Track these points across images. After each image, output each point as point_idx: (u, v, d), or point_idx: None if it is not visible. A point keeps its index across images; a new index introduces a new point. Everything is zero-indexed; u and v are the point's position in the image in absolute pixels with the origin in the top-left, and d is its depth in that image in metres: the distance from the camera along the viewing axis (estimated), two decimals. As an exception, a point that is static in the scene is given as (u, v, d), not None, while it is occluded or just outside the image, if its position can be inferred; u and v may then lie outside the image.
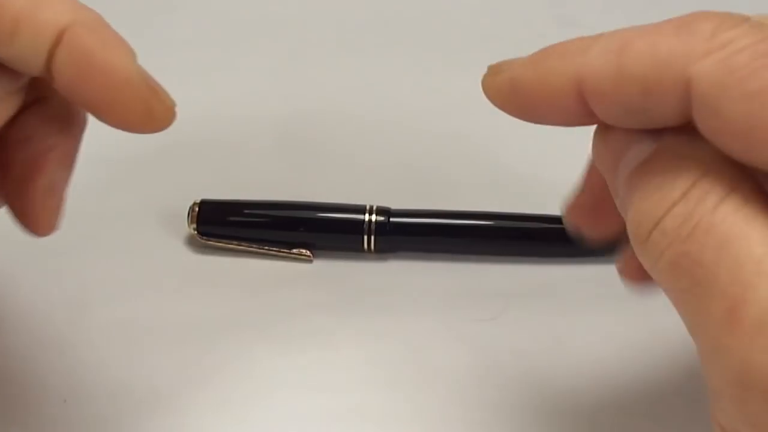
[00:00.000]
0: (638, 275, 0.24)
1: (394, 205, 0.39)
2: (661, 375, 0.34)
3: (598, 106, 0.22)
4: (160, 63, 0.53)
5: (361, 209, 0.39)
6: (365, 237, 0.39)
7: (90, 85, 0.22)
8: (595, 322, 0.36)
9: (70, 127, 0.27)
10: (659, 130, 0.22)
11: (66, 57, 0.22)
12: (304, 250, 0.39)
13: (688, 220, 0.19)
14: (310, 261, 0.39)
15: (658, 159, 0.21)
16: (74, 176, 0.45)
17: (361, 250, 0.39)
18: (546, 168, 0.44)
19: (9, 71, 0.23)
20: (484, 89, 0.25)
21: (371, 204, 0.39)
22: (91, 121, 0.49)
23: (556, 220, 0.39)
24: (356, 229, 0.39)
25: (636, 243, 0.21)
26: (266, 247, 0.39)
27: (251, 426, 0.33)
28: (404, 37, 0.53)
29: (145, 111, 0.24)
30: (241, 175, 0.43)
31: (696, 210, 0.19)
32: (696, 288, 0.19)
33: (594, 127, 0.25)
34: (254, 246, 0.39)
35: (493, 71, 0.25)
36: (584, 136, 0.50)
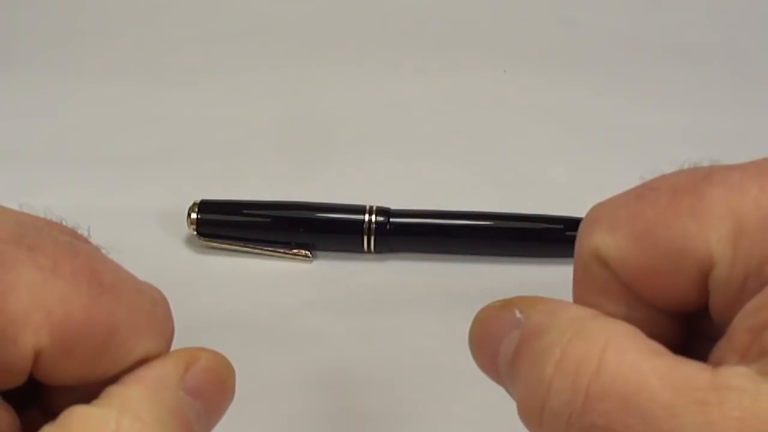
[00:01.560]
0: None
1: (394, 205, 0.39)
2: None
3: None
4: (160, 63, 0.53)
5: (360, 209, 0.39)
6: (365, 237, 0.39)
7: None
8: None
9: None
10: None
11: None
12: (303, 250, 0.39)
13: (576, 394, 0.18)
14: (310, 261, 0.39)
15: (524, 342, 0.20)
16: (74, 176, 0.45)
17: (361, 250, 0.39)
18: (546, 168, 0.44)
19: None
20: None
21: (371, 204, 0.39)
22: (91, 121, 0.49)
23: (556, 220, 0.39)
24: (356, 229, 0.39)
25: (532, 430, 0.20)
26: (266, 247, 0.39)
27: (251, 426, 0.32)
28: (404, 38, 0.53)
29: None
30: (240, 175, 0.43)
31: (578, 380, 0.18)
32: None
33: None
34: (254, 246, 0.39)
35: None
36: (584, 136, 0.50)
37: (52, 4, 0.55)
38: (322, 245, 0.39)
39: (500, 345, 0.21)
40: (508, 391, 0.21)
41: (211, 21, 0.54)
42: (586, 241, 0.20)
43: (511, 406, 0.29)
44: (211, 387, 0.22)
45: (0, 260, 0.18)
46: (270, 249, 0.39)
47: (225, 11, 0.55)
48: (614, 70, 0.51)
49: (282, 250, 0.39)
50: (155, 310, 0.22)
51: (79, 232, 0.22)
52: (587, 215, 0.21)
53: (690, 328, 0.21)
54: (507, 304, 0.22)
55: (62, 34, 0.53)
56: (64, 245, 0.20)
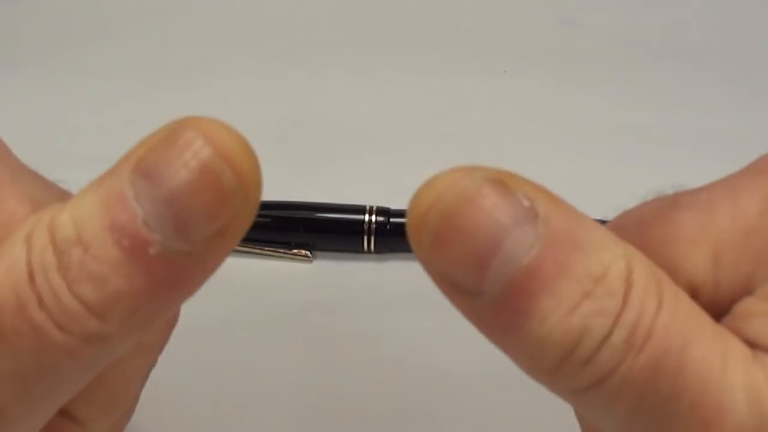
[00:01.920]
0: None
1: (394, 205, 0.39)
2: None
3: None
4: (160, 63, 0.53)
5: (360, 209, 0.39)
6: (365, 237, 0.39)
7: None
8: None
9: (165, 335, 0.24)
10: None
11: None
12: (303, 250, 0.39)
13: (638, 329, 0.15)
14: (310, 261, 0.39)
15: (556, 253, 0.15)
16: (74, 177, 0.45)
17: (361, 250, 0.39)
18: (546, 168, 0.44)
19: None
20: None
21: (371, 204, 0.39)
22: (92, 123, 0.49)
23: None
24: (356, 229, 0.39)
25: (558, 369, 0.16)
26: (266, 247, 0.39)
27: (251, 425, 0.32)
28: (404, 38, 0.53)
29: None
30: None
31: (642, 316, 0.15)
32: (659, 407, 0.15)
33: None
34: (254, 246, 0.39)
35: None
36: (584, 136, 0.50)
37: (52, 4, 0.55)
38: (322, 245, 0.39)
39: (498, 248, 0.15)
40: (493, 321, 0.16)
41: (211, 21, 0.54)
42: None
43: (511, 406, 0.29)
44: (190, 176, 0.16)
45: None
46: (270, 249, 0.39)
47: (225, 11, 0.55)
48: (614, 70, 0.51)
49: (282, 250, 0.39)
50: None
51: None
52: None
53: None
54: (501, 182, 0.16)
55: (62, 35, 0.53)
56: None
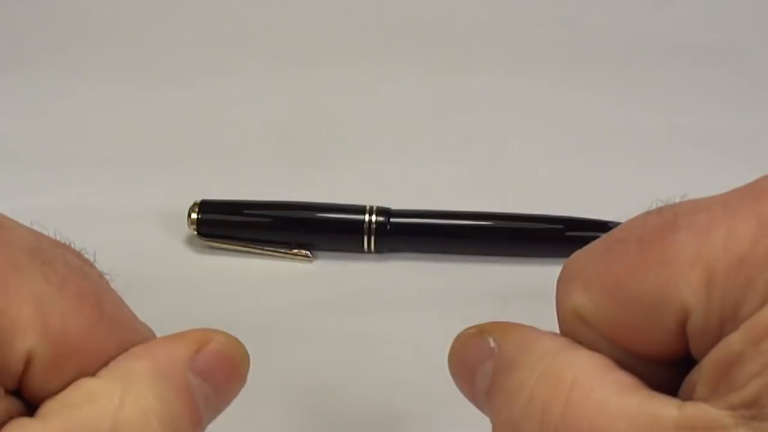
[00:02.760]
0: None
1: (394, 205, 0.39)
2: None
3: None
4: (161, 63, 0.53)
5: (361, 209, 0.39)
6: (365, 237, 0.39)
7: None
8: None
9: None
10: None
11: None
12: (303, 250, 0.39)
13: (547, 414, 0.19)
14: (310, 261, 0.39)
15: (496, 376, 0.21)
16: (74, 176, 0.45)
17: (361, 250, 0.39)
18: (546, 168, 0.44)
19: None
20: None
21: (371, 204, 0.39)
22: (91, 121, 0.49)
23: (556, 220, 0.39)
24: (356, 229, 0.39)
25: None
26: (266, 247, 0.39)
27: (251, 425, 0.32)
28: (405, 38, 0.53)
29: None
30: (241, 175, 0.43)
31: (545, 423, 0.18)
32: None
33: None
34: (254, 246, 0.39)
35: None
36: (585, 136, 0.50)
37: (52, 4, 0.54)
38: (322, 245, 0.39)
39: (476, 372, 0.21)
40: (485, 414, 0.22)
41: (210, 21, 0.54)
42: (563, 301, 0.20)
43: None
44: (222, 370, 0.22)
45: (13, 266, 0.19)
46: (270, 249, 0.39)
47: (225, 11, 0.55)
48: (614, 70, 0.51)
49: (282, 250, 0.39)
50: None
51: (85, 255, 0.22)
52: (562, 273, 0.21)
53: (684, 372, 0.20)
54: (481, 331, 0.22)
55: (62, 35, 0.53)
56: (74, 268, 0.21)
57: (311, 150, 0.45)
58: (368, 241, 0.39)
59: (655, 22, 0.55)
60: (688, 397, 0.18)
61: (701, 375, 0.18)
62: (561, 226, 0.39)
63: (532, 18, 0.55)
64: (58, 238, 0.22)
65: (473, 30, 0.54)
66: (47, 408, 0.19)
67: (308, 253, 0.39)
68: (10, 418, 0.19)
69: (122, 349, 0.21)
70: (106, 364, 0.20)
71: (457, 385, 0.23)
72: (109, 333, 0.21)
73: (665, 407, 0.17)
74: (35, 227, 0.21)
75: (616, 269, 0.19)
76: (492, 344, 0.21)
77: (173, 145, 0.45)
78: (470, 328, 0.23)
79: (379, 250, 0.39)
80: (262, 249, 0.39)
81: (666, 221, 0.19)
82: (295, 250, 0.39)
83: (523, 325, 0.21)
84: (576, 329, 0.20)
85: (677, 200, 0.19)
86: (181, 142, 0.45)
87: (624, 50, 0.53)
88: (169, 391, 0.20)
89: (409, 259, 0.39)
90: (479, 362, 0.21)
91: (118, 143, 0.45)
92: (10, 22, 0.54)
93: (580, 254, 0.21)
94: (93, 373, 0.20)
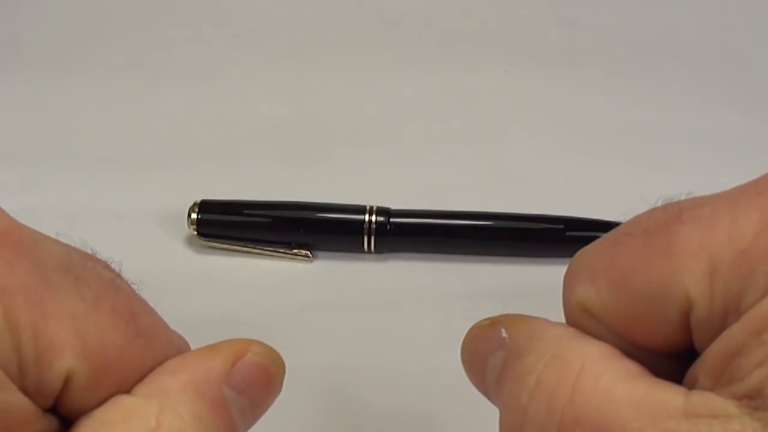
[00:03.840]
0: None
1: (394, 205, 0.39)
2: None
3: None
4: (160, 63, 0.53)
5: (361, 209, 0.39)
6: (365, 237, 0.39)
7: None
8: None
9: None
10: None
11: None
12: (303, 250, 0.39)
13: (550, 422, 0.18)
14: (310, 261, 0.39)
15: (506, 365, 0.21)
16: (74, 176, 0.45)
17: (361, 250, 0.39)
18: (546, 168, 0.44)
19: None
20: None
21: (371, 204, 0.39)
22: (91, 121, 0.49)
23: (556, 220, 0.39)
24: (356, 229, 0.39)
25: None
26: (266, 247, 0.39)
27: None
28: (404, 38, 0.53)
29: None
30: (241, 175, 0.43)
31: (552, 408, 0.18)
32: None
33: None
34: (254, 246, 0.39)
35: None
36: (584, 135, 0.50)
37: (53, 4, 0.54)
38: (322, 245, 0.39)
39: (487, 363, 0.22)
40: (495, 405, 0.22)
41: (210, 21, 0.54)
42: (570, 294, 0.21)
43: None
44: (258, 382, 0.22)
45: (47, 285, 0.19)
46: (270, 249, 0.39)
47: (224, 11, 0.55)
48: (614, 70, 0.51)
49: (282, 250, 0.39)
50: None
51: (112, 266, 0.22)
52: (569, 269, 0.21)
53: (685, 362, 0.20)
54: (494, 323, 0.22)
55: (62, 34, 0.53)
56: (107, 281, 0.20)
57: (311, 150, 0.45)
58: (368, 241, 0.39)
59: (655, 22, 0.55)
60: (691, 388, 0.18)
61: (704, 366, 0.18)
62: (561, 226, 0.39)
63: (532, 18, 0.55)
64: (87, 250, 0.22)
65: (473, 30, 0.54)
66: (83, 426, 0.19)
67: (308, 253, 0.39)
68: None
69: (158, 362, 0.21)
70: (142, 378, 0.20)
71: (469, 375, 0.23)
72: (146, 347, 0.20)
73: (672, 394, 0.18)
74: (61, 238, 0.21)
75: (622, 261, 0.19)
76: (503, 335, 0.21)
77: (173, 145, 0.45)
78: (483, 320, 0.23)
79: (379, 250, 0.39)
80: (262, 249, 0.39)
81: (671, 215, 0.19)
82: (295, 250, 0.39)
83: (534, 317, 0.22)
84: (582, 322, 0.20)
85: (682, 198, 0.20)
86: (181, 142, 0.45)
87: (624, 50, 0.53)
88: (205, 409, 0.20)
89: (409, 259, 0.39)
90: (490, 352, 0.21)
91: (118, 143, 0.45)
92: (10, 21, 0.54)
93: (587, 250, 0.21)
94: (129, 389, 0.20)
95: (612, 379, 0.18)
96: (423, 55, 0.51)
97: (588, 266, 0.20)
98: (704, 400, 0.17)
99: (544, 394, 0.19)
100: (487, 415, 0.33)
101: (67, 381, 0.19)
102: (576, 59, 0.52)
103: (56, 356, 0.18)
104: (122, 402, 0.20)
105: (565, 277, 0.21)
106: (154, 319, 0.22)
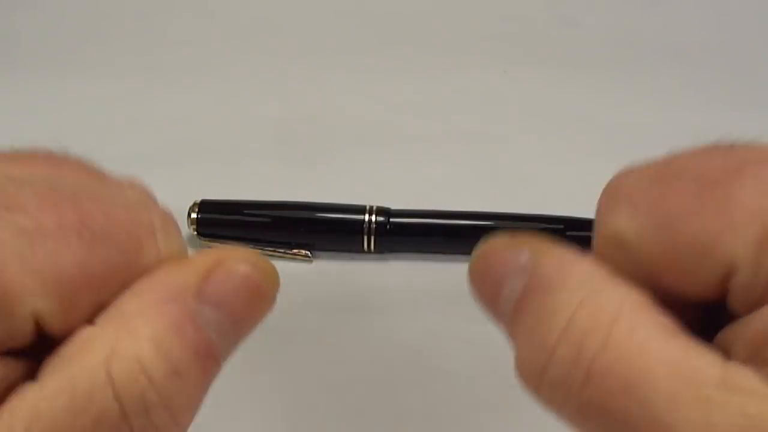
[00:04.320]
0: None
1: (394, 205, 0.39)
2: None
3: None
4: (161, 63, 0.53)
5: (360, 209, 0.39)
6: (365, 237, 0.39)
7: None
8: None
9: None
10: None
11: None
12: (303, 250, 0.39)
13: (579, 367, 0.17)
14: (310, 261, 0.39)
15: (530, 294, 0.19)
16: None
17: (361, 250, 0.39)
18: (546, 168, 0.44)
19: None
20: None
21: (371, 204, 0.39)
22: (91, 121, 0.49)
23: (556, 220, 0.39)
24: (356, 229, 0.39)
25: (530, 391, 0.19)
26: (266, 247, 0.39)
27: (250, 425, 0.33)
28: (404, 38, 0.53)
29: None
30: (241, 175, 0.43)
31: (583, 353, 0.17)
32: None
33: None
34: (254, 246, 0.39)
35: None
36: (584, 135, 0.50)
37: (53, 4, 0.55)
38: (322, 245, 0.39)
39: (503, 286, 0.19)
40: (506, 332, 0.20)
41: (210, 21, 0.54)
42: (606, 219, 0.19)
43: (511, 406, 0.29)
44: (238, 293, 0.20)
45: None
46: (270, 249, 0.39)
47: (225, 11, 0.55)
48: (614, 70, 0.51)
49: (282, 250, 0.39)
50: (153, 226, 0.20)
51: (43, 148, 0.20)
52: (609, 187, 0.20)
53: (706, 311, 0.19)
54: (516, 244, 0.20)
55: (62, 34, 0.53)
56: (44, 192, 0.18)
57: (311, 150, 0.45)
58: (368, 241, 0.39)
59: (655, 22, 0.55)
60: (723, 350, 0.17)
61: (741, 336, 0.17)
62: (561, 226, 0.39)
63: (532, 18, 0.55)
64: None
65: (473, 30, 0.54)
66: (45, 365, 0.18)
67: (308, 253, 0.39)
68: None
69: (130, 248, 0.19)
70: (125, 286, 0.18)
71: (477, 298, 0.21)
72: (108, 247, 0.18)
73: (709, 364, 0.17)
74: None
75: (671, 204, 0.18)
76: (525, 259, 0.19)
77: (173, 145, 0.45)
78: (499, 236, 0.21)
79: (379, 250, 0.39)
80: (261, 249, 0.39)
81: (732, 165, 0.18)
82: (295, 250, 0.39)
83: (559, 245, 0.19)
84: (613, 254, 0.19)
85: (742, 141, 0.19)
86: (181, 142, 0.45)
87: (624, 50, 0.53)
88: (167, 330, 0.18)
89: (409, 259, 0.39)
90: (507, 275, 0.19)
91: (118, 143, 0.45)
92: (10, 21, 0.54)
93: (630, 174, 0.20)
94: (113, 290, 0.18)
95: (647, 334, 0.17)
96: (423, 55, 0.52)
97: (630, 197, 0.19)
98: (742, 375, 0.16)
99: (575, 337, 0.17)
100: (487, 415, 0.33)
101: (38, 317, 0.18)
102: (576, 59, 0.52)
103: (15, 303, 0.17)
104: (81, 334, 0.18)
105: (603, 197, 0.20)
106: (106, 205, 0.19)
